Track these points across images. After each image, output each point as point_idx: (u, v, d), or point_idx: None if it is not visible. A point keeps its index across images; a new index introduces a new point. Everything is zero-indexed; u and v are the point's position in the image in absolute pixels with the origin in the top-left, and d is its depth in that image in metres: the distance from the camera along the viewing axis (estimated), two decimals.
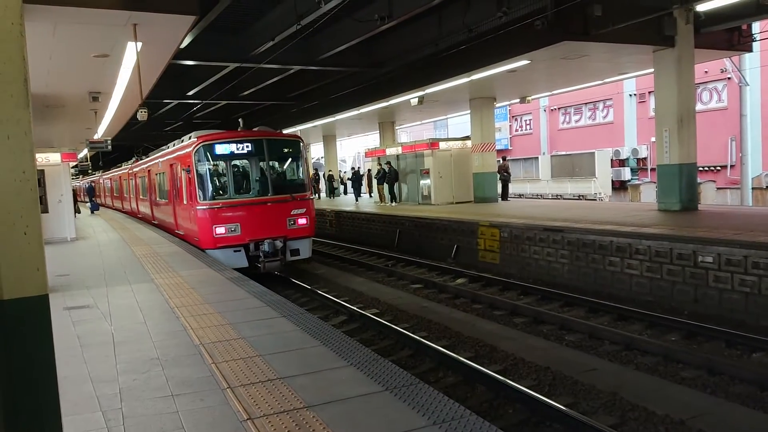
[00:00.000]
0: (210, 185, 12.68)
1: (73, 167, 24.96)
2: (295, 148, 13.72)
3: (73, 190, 22.67)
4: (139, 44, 8.60)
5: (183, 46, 11.05)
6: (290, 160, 13.70)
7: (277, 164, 13.43)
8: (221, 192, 12.81)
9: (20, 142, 2.12)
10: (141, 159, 24.15)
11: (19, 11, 2.06)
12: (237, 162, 13.18)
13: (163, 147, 18.65)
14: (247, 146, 12.84)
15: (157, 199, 18.67)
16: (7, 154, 2.10)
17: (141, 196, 22.74)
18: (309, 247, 13.62)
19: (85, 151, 28.55)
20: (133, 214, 25.70)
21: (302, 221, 13.15)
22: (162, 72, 11.72)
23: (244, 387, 4.27)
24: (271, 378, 4.43)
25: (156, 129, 34.58)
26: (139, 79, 9.65)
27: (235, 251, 12.54)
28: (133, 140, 34.34)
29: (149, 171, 19.69)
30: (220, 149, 12.71)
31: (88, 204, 30.94)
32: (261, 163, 13.04)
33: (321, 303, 10.97)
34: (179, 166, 14.19)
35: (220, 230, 12.45)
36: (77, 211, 24.40)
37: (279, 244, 12.79)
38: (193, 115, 30.36)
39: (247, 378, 4.45)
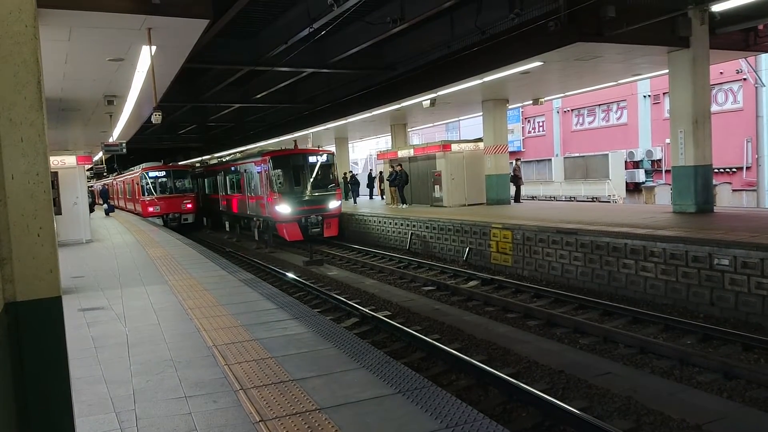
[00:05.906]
0: (147, 189, 27.54)
1: (88, 170, 25.53)
2: (187, 173, 29.79)
3: (92, 192, 24.75)
4: (154, 48, 8.66)
5: (197, 49, 11.21)
6: (185, 178, 28.97)
7: (177, 180, 28.43)
8: (152, 192, 27.59)
9: (34, 144, 2.12)
10: (121, 173, 40.43)
11: (32, 14, 2.07)
12: (159, 180, 27.98)
13: (132, 168, 34.75)
14: (164, 172, 28.58)
15: (127, 196, 34.40)
16: (20, 156, 2.10)
17: (119, 195, 39.53)
18: (193, 217, 28.55)
19: (101, 154, 28.85)
20: (116, 206, 40.71)
21: (189, 206, 28.24)
22: (176, 75, 11.81)
23: (256, 389, 4.27)
24: (284, 380, 4.43)
25: (170, 132, 34.82)
26: (153, 82, 9.72)
27: (157, 218, 26.71)
28: (148, 143, 34.73)
29: (124, 181, 36.41)
30: (152, 173, 28.16)
31: (104, 206, 31.73)
32: (170, 180, 28.09)
33: (333, 305, 10.97)
34: (134, 181, 29.81)
35: (151, 209, 27.30)
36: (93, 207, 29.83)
37: (177, 215, 27.65)
38: (207, 118, 30.55)
39: (260, 380, 4.46)
